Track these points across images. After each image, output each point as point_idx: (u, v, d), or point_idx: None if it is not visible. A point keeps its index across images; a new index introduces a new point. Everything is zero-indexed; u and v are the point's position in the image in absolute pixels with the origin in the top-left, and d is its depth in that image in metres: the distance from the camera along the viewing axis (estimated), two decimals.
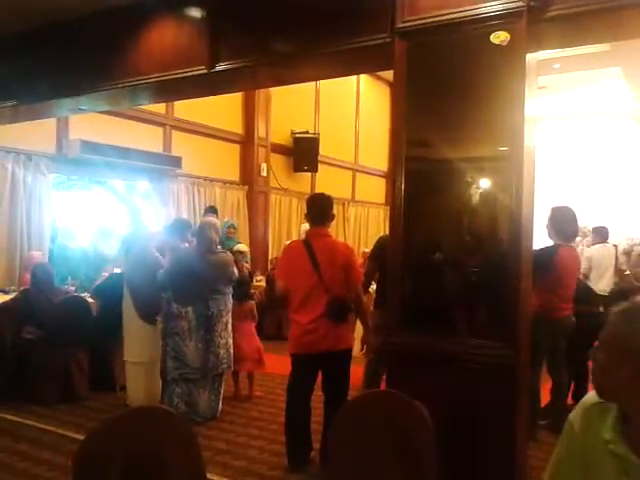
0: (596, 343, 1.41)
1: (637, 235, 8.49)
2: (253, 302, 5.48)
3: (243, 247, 6.41)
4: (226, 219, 7.95)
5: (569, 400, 4.57)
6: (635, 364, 1.28)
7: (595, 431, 1.40)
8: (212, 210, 7.04)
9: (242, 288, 5.31)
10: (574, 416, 1.48)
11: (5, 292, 5.78)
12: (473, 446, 2.64)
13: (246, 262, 6.28)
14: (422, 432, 2.01)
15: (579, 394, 4.75)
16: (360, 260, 6.94)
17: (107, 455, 1.75)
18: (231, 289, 4.92)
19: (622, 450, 1.33)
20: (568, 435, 1.49)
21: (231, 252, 6.38)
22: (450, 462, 2.11)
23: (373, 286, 5.30)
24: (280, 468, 3.82)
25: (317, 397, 3.91)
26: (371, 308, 4.98)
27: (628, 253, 6.71)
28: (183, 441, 1.90)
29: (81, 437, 4.02)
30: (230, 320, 4.88)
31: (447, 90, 2.81)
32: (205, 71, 3.65)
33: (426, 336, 2.78)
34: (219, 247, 4.91)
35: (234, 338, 5.01)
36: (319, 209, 3.88)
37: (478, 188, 2.78)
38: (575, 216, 4.51)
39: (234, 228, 7.32)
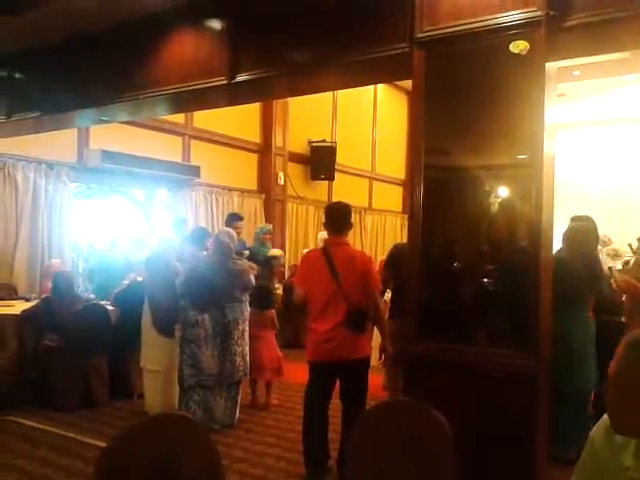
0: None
1: None
2: (274, 311, 5.48)
3: (277, 252, 6.40)
4: (261, 225, 7.88)
5: (589, 409, 4.51)
6: None
7: (615, 453, 1.40)
8: (237, 217, 6.96)
9: (264, 296, 5.32)
10: (596, 432, 1.48)
11: (27, 299, 5.86)
12: (493, 456, 2.61)
13: (281, 266, 6.28)
14: (441, 441, 1.99)
15: (599, 403, 4.68)
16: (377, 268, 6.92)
17: (128, 462, 1.76)
18: (247, 297, 4.95)
19: None
20: (589, 449, 1.49)
21: (266, 258, 6.44)
22: (469, 472, 2.09)
23: (388, 294, 5.29)
24: (297, 476, 3.82)
25: (335, 405, 3.90)
26: (386, 316, 4.99)
27: None
28: (203, 449, 1.91)
29: (100, 443, 4.08)
30: (247, 328, 4.90)
31: (466, 99, 2.81)
32: (225, 82, 3.69)
33: (445, 345, 2.77)
34: (246, 251, 4.90)
35: (254, 346, 5.03)
36: (337, 218, 3.88)
37: (497, 196, 2.77)
38: (595, 225, 4.47)
39: (270, 234, 7.28)
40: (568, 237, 4.24)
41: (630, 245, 9.09)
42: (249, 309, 4.98)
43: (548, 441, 2.94)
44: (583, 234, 4.25)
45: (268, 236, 7.13)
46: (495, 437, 2.60)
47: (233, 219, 6.75)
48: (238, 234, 6.72)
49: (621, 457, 1.37)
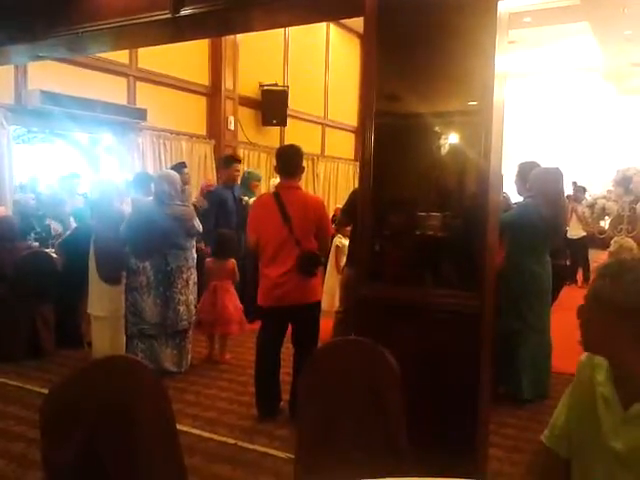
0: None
1: (600, 189, 8.70)
2: (234, 261, 5.27)
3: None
4: (250, 170, 7.56)
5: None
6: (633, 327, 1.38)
7: (593, 369, 1.56)
8: (183, 165, 6.78)
9: (224, 246, 5.19)
10: (584, 357, 1.62)
11: None
12: (438, 394, 2.70)
13: None
14: (389, 379, 2.04)
15: None
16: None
17: (75, 406, 1.73)
18: (193, 244, 4.84)
19: (608, 393, 1.50)
20: (578, 369, 1.63)
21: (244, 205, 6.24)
22: (415, 410, 2.15)
23: (342, 239, 5.31)
24: (250, 418, 3.88)
25: (287, 349, 3.95)
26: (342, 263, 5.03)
27: (591, 206, 6.86)
28: (152, 391, 1.89)
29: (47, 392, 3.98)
30: (192, 276, 4.77)
31: (418, 42, 2.74)
32: (169, 16, 3.51)
33: (394, 288, 2.81)
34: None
35: (215, 298, 4.99)
36: (289, 161, 3.82)
37: (447, 143, 2.77)
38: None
39: (259, 181, 7.07)
40: (538, 183, 4.23)
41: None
42: (195, 256, 4.88)
43: (493, 379, 3.07)
44: (554, 180, 4.28)
45: (256, 183, 6.95)
46: (441, 374, 2.68)
47: (180, 167, 6.55)
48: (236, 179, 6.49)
49: (596, 373, 1.54)
